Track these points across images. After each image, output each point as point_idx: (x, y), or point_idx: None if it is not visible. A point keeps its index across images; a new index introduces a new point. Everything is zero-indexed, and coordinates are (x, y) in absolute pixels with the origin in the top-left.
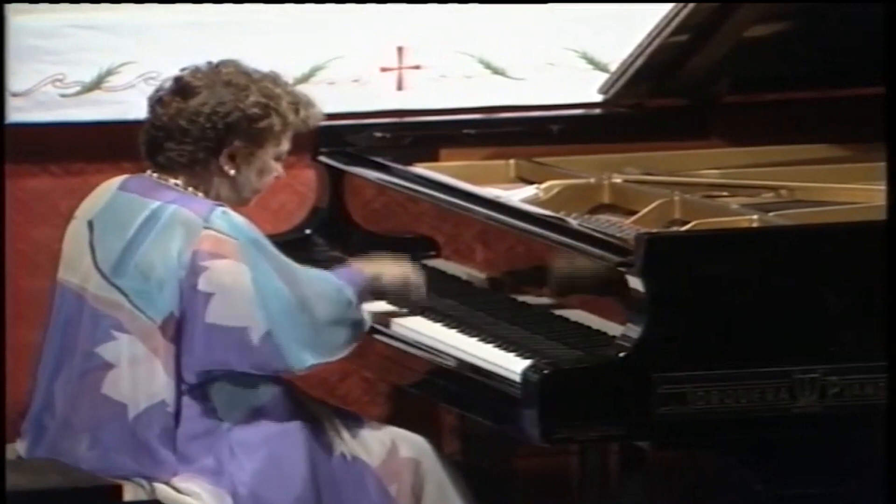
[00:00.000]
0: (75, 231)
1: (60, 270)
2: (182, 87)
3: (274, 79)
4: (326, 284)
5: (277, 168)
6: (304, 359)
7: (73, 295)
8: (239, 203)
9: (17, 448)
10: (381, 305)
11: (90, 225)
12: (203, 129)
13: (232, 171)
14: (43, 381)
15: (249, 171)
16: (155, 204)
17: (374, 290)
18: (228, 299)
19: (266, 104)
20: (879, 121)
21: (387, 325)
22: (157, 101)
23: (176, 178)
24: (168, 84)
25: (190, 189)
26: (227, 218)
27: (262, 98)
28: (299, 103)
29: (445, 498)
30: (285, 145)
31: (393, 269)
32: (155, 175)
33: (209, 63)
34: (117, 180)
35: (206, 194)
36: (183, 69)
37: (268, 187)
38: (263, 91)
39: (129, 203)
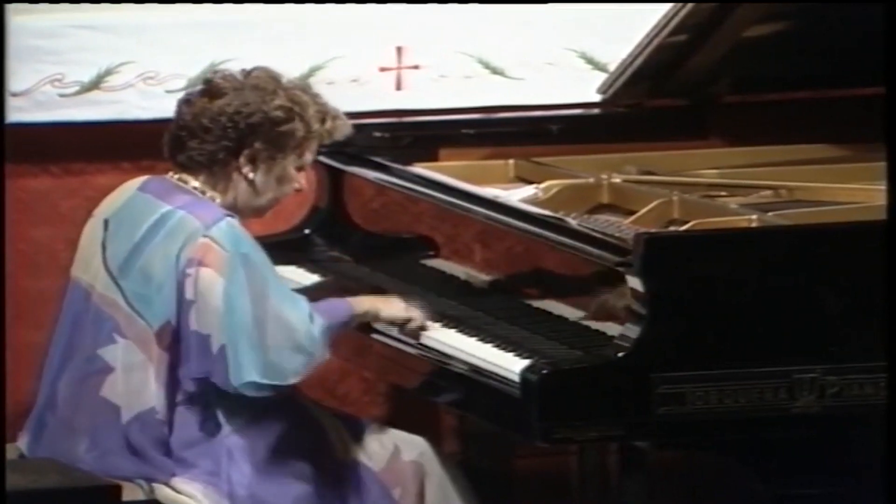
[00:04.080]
0: (92, 229)
1: (73, 267)
2: (210, 89)
3: (304, 87)
4: (295, 312)
5: (299, 179)
6: (244, 375)
7: (82, 293)
8: (256, 211)
9: (19, 444)
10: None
11: (105, 223)
12: (224, 129)
13: (251, 175)
14: (48, 379)
15: (269, 177)
16: (165, 208)
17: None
18: (203, 307)
19: (290, 108)
20: (879, 121)
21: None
22: (184, 102)
23: (196, 178)
24: (199, 87)
25: (208, 193)
26: (228, 229)
27: (287, 102)
28: (327, 113)
29: (446, 498)
30: (308, 156)
31: (393, 305)
32: (175, 177)
33: (243, 69)
34: (139, 180)
35: (224, 195)
36: (215, 72)
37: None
38: (290, 96)
39: (144, 204)
